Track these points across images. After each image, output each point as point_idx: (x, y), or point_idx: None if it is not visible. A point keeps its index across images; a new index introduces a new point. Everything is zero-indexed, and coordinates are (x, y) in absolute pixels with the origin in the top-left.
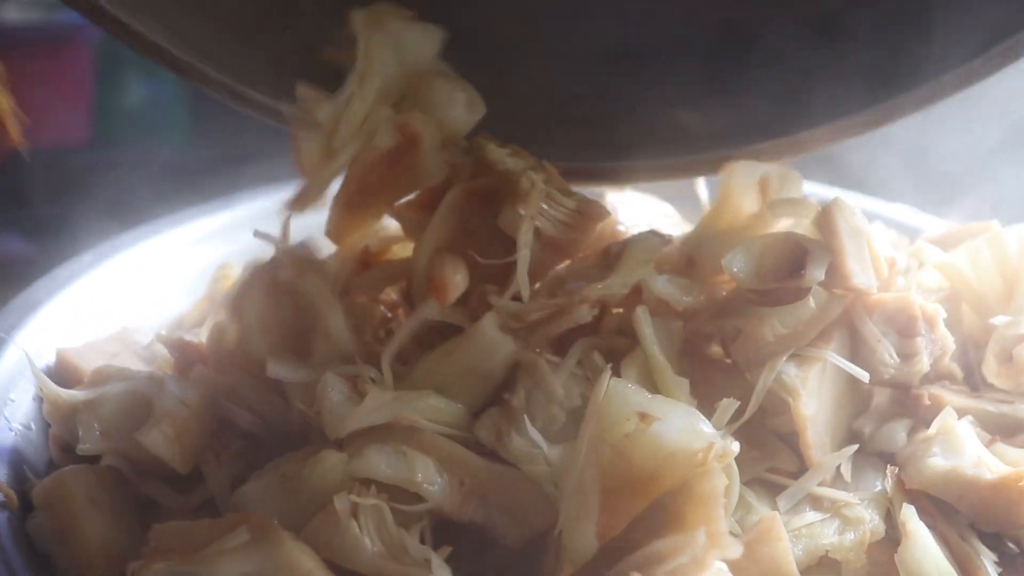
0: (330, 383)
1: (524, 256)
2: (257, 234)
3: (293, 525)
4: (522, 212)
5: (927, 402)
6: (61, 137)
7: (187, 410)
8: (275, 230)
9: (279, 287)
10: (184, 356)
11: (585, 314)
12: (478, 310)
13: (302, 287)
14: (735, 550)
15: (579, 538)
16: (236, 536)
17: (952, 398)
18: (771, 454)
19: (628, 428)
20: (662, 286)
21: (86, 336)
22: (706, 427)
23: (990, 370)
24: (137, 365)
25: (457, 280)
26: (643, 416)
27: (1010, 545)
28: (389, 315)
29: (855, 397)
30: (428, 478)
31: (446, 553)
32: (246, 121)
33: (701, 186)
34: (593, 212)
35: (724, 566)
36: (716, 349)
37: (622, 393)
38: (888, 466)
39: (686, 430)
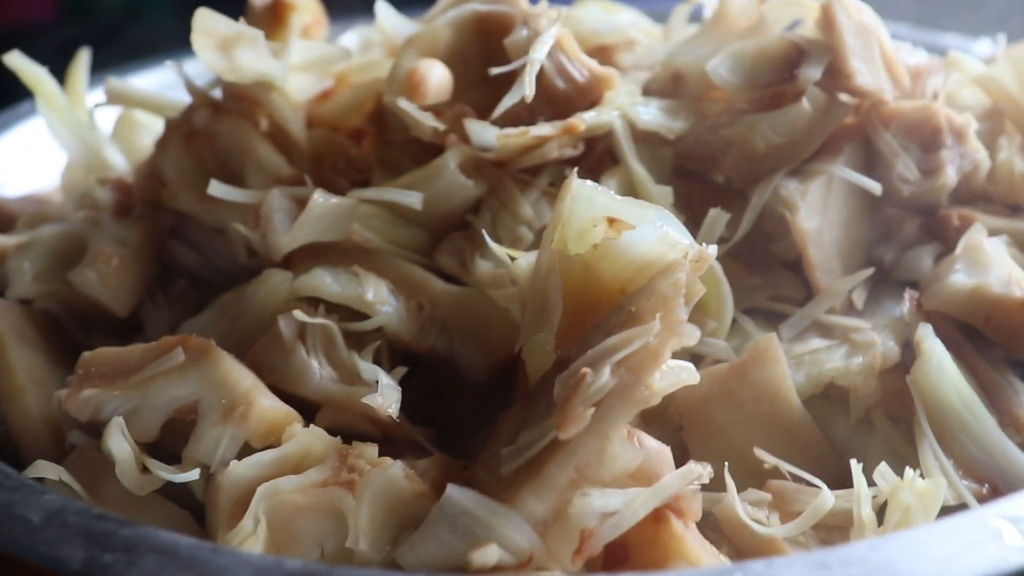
0: (275, 200)
1: (535, 60)
2: (170, 66)
3: (236, 352)
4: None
5: (956, 223)
6: (26, 16)
7: (125, 249)
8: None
9: (197, 135)
10: (125, 197)
11: (567, 146)
12: (453, 126)
13: (219, 131)
14: (692, 337)
15: (537, 350)
16: (171, 358)
17: (985, 218)
18: (775, 282)
19: (596, 236)
20: (648, 117)
21: (25, 187)
22: (681, 235)
23: None
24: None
25: (438, 75)
26: (612, 222)
27: None
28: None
29: (874, 221)
30: (380, 297)
31: (400, 375)
32: None
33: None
34: (605, 77)
35: (691, 366)
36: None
37: (589, 195)
38: (907, 289)
39: (659, 239)
